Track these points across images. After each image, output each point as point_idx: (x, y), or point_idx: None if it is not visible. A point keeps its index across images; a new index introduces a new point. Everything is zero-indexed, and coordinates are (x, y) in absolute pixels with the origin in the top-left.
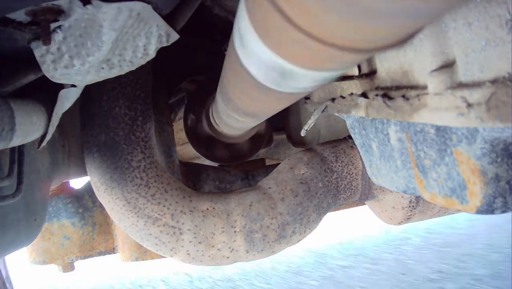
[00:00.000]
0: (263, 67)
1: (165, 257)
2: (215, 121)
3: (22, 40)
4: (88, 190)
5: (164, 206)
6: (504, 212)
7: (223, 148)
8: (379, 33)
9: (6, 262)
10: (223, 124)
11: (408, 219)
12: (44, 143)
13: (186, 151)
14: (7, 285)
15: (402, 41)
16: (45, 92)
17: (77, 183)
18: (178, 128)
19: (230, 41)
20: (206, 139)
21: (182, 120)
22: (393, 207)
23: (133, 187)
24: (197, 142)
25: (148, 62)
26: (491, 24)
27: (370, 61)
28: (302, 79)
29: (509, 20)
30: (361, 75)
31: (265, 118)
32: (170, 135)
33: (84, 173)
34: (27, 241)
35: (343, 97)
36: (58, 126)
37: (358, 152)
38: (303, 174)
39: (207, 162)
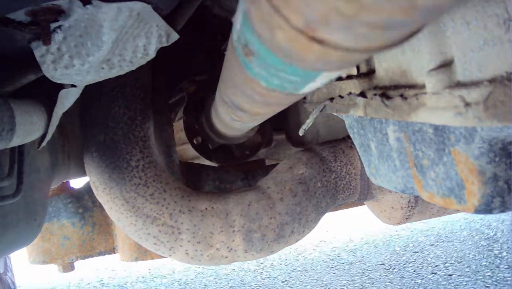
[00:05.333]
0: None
1: (164, 257)
2: (215, 121)
3: (22, 40)
4: (88, 190)
5: (162, 206)
6: (502, 211)
7: (223, 148)
8: (377, 34)
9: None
10: (223, 125)
11: (407, 219)
12: (44, 144)
13: (186, 151)
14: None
15: (399, 44)
16: (45, 92)
17: (77, 183)
18: (178, 128)
19: (230, 39)
20: (207, 140)
21: (182, 120)
22: (392, 207)
23: (131, 187)
24: (207, 152)
25: (148, 62)
26: (489, 24)
27: (368, 60)
28: (322, 80)
29: (507, 19)
30: (359, 75)
31: (265, 119)
32: (170, 135)
33: (84, 173)
34: (27, 241)
35: (342, 97)
36: (58, 126)
37: (357, 152)
38: (302, 173)
39: (207, 162)
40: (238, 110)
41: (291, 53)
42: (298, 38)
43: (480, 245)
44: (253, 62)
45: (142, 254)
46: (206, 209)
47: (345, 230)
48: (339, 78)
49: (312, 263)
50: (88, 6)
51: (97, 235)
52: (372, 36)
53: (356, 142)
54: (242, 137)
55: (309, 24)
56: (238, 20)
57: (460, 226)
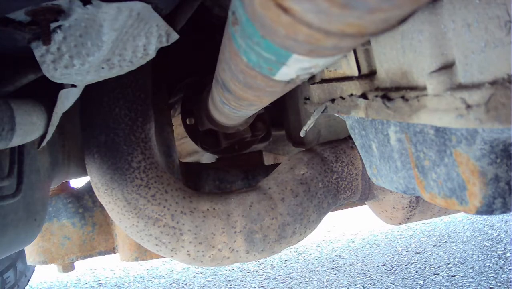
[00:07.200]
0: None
1: (165, 257)
2: (212, 111)
3: (22, 40)
4: (88, 190)
5: (164, 207)
6: (503, 212)
7: (211, 134)
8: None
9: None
10: (220, 114)
11: (408, 219)
12: (44, 143)
13: (184, 145)
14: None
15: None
16: (45, 92)
17: (77, 183)
18: (177, 123)
19: (226, 26)
20: (205, 131)
21: (180, 115)
22: (393, 207)
23: (133, 188)
24: (196, 135)
25: (148, 62)
26: (490, 26)
27: (369, 61)
28: (294, 65)
29: (508, 21)
30: (360, 76)
31: (262, 107)
32: (170, 135)
33: (84, 173)
34: (27, 241)
35: (343, 98)
36: (58, 126)
37: (358, 152)
38: (303, 174)
39: (206, 156)
40: (225, 90)
41: (264, 23)
42: (269, 5)
43: (483, 245)
44: (237, 32)
45: (142, 254)
46: (207, 209)
47: (346, 231)
48: (339, 79)
49: (312, 264)
50: (88, 6)
51: (97, 235)
52: (341, 18)
53: (358, 143)
54: (231, 128)
55: (303, 12)
56: (233, 5)
57: (463, 226)
